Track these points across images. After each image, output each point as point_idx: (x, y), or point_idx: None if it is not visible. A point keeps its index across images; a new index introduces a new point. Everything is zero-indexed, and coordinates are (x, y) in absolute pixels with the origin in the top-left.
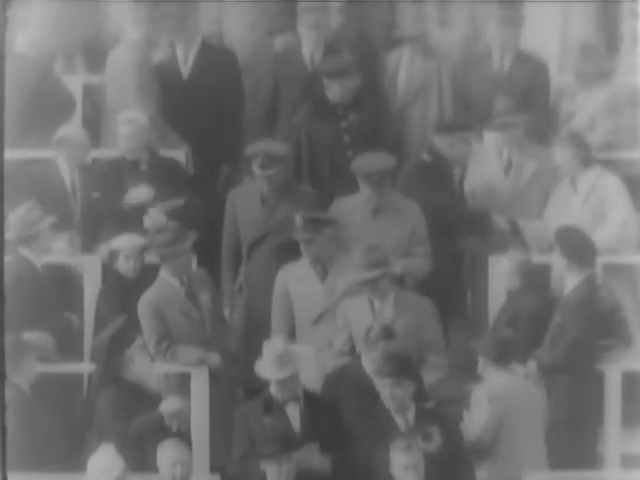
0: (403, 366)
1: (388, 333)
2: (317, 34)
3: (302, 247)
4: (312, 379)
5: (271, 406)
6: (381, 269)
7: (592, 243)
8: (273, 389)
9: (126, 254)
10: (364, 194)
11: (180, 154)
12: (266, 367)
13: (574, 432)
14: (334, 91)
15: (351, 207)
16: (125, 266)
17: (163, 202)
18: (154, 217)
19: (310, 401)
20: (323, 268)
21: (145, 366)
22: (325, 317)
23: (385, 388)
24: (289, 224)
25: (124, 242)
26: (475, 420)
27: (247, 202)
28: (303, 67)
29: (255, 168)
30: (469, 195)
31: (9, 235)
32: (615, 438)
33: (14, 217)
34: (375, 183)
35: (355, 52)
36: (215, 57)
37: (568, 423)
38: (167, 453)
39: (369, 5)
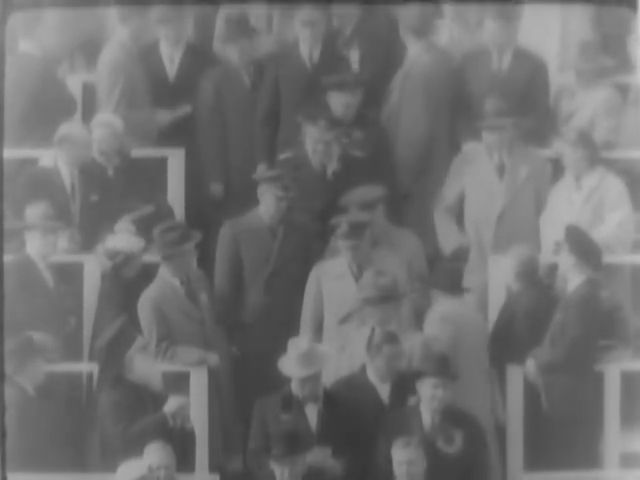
0: (446, 365)
1: (391, 337)
2: (312, 31)
3: (346, 252)
4: (330, 380)
5: (290, 403)
6: (389, 290)
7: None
8: (294, 386)
9: (123, 254)
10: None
11: (180, 153)
12: (289, 364)
13: (573, 432)
14: (336, 105)
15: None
16: (122, 266)
17: (131, 211)
18: (122, 227)
19: (329, 402)
20: (359, 268)
21: (147, 366)
22: (351, 318)
23: (434, 389)
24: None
25: (121, 242)
26: (433, 342)
27: (254, 237)
28: (302, 66)
29: (267, 195)
30: (461, 197)
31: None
32: (614, 438)
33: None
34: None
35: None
36: (200, 58)
37: (567, 423)
38: (151, 456)
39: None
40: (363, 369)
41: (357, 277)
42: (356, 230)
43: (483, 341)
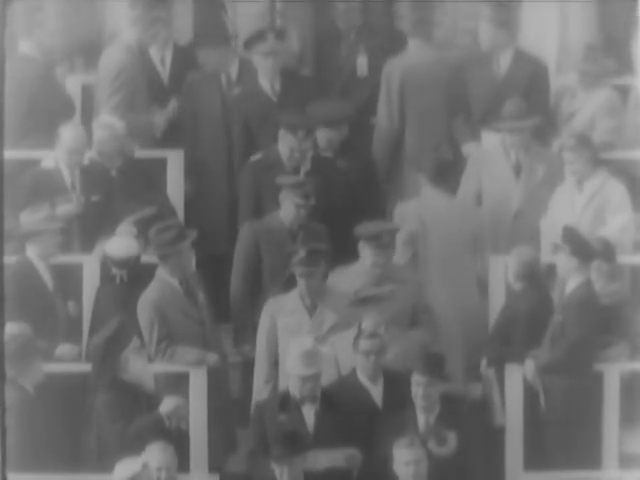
0: (439, 365)
1: (373, 333)
2: (273, 61)
3: (301, 280)
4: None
5: (288, 404)
6: (389, 286)
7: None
8: (293, 386)
9: (121, 257)
10: (367, 259)
11: (179, 154)
12: (291, 362)
13: (572, 432)
14: (321, 139)
15: (351, 277)
16: (118, 270)
17: (134, 212)
18: (123, 229)
19: (327, 402)
20: (312, 302)
21: (141, 367)
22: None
23: (419, 387)
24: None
25: (119, 245)
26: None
27: (274, 238)
28: (266, 99)
29: (287, 202)
30: (479, 197)
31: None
32: (613, 438)
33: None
34: (380, 245)
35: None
36: (190, 60)
37: (566, 423)
38: (153, 457)
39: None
40: (353, 371)
41: (311, 311)
42: (312, 257)
43: (456, 240)
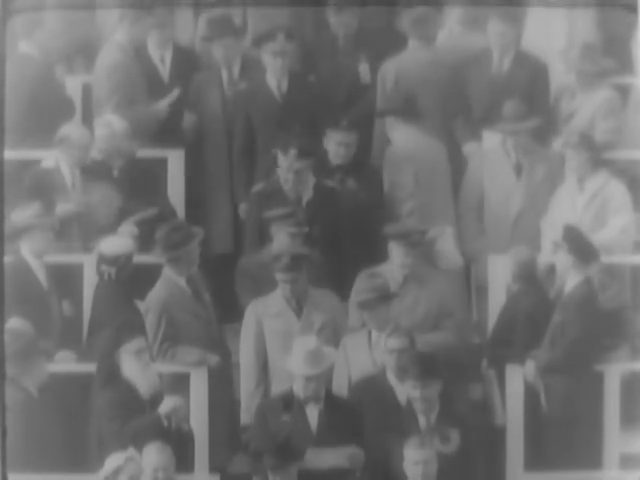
0: (431, 366)
1: (401, 333)
2: (282, 60)
3: (285, 286)
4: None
5: (291, 404)
6: (381, 291)
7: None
8: (296, 386)
9: (119, 256)
10: (396, 259)
11: (180, 154)
12: (295, 362)
13: (573, 432)
14: (331, 145)
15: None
16: (106, 267)
17: (135, 212)
18: (125, 229)
19: (331, 403)
20: (298, 304)
21: (138, 369)
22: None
23: (415, 390)
24: None
25: (109, 244)
26: (396, 183)
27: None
28: (271, 98)
29: (281, 233)
30: (479, 197)
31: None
32: (614, 438)
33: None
34: (411, 244)
35: None
36: (191, 60)
37: (567, 423)
38: (150, 458)
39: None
40: (383, 370)
41: (298, 313)
42: (296, 263)
43: (446, 178)
